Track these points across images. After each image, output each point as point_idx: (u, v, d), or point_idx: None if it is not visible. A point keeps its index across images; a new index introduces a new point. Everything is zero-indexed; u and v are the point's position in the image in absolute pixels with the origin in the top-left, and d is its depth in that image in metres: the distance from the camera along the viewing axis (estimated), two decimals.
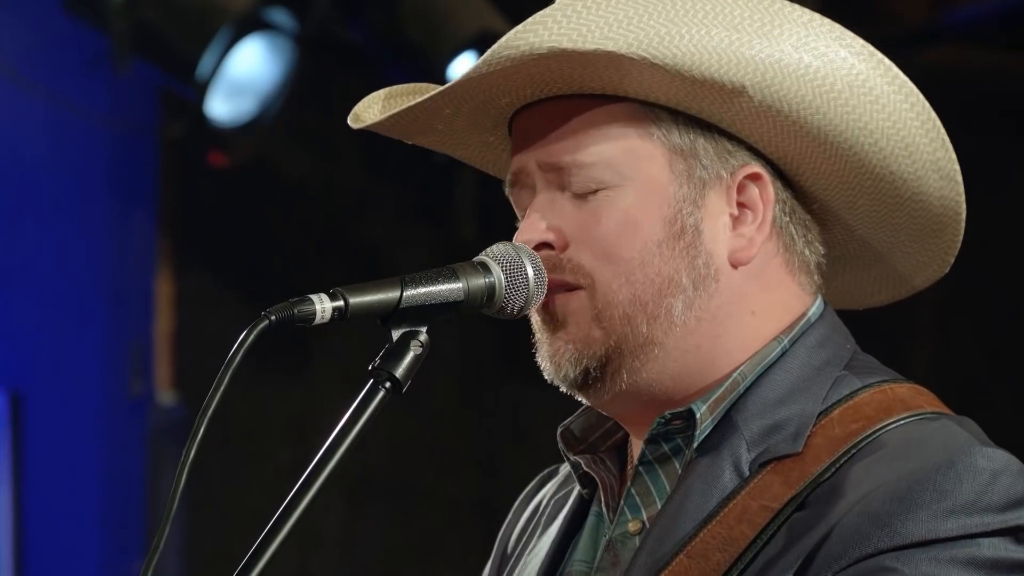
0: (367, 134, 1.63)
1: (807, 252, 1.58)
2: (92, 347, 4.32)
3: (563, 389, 1.56)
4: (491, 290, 1.47)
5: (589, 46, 1.42)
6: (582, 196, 1.52)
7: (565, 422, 1.63)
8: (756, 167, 1.53)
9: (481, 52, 1.56)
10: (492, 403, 4.92)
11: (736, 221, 1.53)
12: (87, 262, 4.31)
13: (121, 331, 4.36)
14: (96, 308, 4.32)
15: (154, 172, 4.45)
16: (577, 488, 1.64)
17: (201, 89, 3.95)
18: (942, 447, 1.41)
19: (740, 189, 1.53)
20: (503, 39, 1.44)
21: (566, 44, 1.42)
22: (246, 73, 4.09)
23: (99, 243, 4.32)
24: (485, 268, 1.47)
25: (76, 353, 4.28)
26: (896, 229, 1.62)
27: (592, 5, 1.43)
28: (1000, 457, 1.40)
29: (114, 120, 4.26)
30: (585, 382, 1.52)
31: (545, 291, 1.51)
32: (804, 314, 1.57)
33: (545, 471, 1.80)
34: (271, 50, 4.11)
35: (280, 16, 4.06)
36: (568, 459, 1.63)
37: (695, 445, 1.50)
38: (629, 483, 1.55)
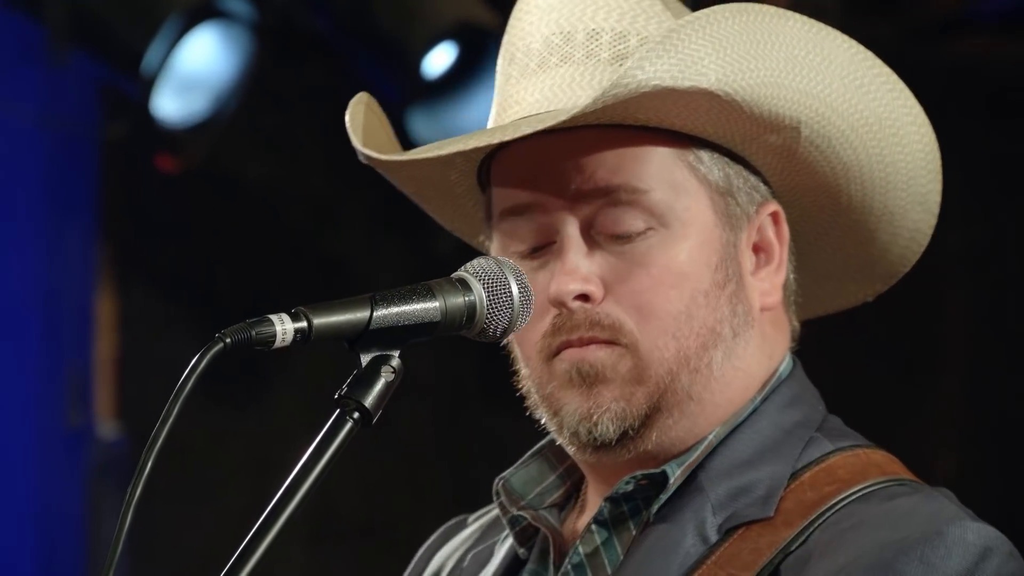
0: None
1: (793, 288, 1.65)
2: (24, 372, 4.31)
3: (575, 449, 1.59)
4: (471, 310, 1.47)
5: (686, 83, 1.49)
6: (626, 238, 1.55)
7: (503, 475, 1.67)
8: (775, 204, 1.60)
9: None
10: (471, 435, 4.92)
11: (754, 263, 1.59)
12: (18, 277, 4.30)
13: (57, 354, 4.35)
14: (29, 328, 4.31)
15: (94, 177, 4.44)
16: (507, 544, 1.67)
17: (147, 85, 3.95)
18: (929, 517, 1.45)
19: (759, 228, 1.59)
20: (617, 78, 1.47)
21: (668, 82, 1.48)
22: (198, 67, 4.09)
23: (32, 256, 4.31)
24: (465, 285, 1.48)
25: (6, 379, 4.27)
26: (847, 263, 1.72)
27: (677, 43, 1.49)
28: (990, 534, 1.45)
29: (49, 119, 4.26)
30: (620, 442, 1.55)
31: (531, 311, 1.52)
32: (775, 372, 1.61)
33: (448, 523, 1.84)
34: (225, 41, 4.12)
35: (235, 3, 4.06)
36: (510, 513, 1.66)
37: (655, 508, 1.53)
38: (578, 542, 1.58)
